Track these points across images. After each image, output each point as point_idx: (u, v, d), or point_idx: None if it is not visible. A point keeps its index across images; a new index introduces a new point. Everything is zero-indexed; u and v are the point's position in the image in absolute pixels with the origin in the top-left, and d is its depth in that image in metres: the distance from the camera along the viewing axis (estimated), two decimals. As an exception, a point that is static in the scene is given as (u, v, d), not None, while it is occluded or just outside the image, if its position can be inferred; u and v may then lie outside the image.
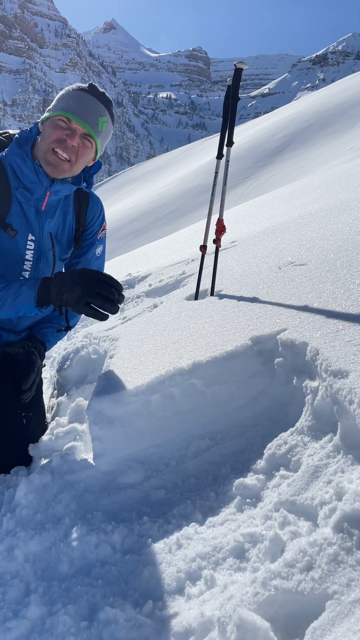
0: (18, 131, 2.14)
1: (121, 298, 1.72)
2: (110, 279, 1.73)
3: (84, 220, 2.09)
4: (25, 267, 1.95)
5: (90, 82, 1.91)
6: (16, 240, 1.88)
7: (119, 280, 1.72)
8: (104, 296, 1.70)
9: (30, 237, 1.92)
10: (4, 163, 1.83)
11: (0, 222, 1.83)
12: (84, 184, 1.96)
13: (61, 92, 1.87)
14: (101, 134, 1.84)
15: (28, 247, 1.92)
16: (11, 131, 2.08)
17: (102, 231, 2.19)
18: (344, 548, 0.90)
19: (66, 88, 1.88)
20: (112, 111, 1.91)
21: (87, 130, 1.78)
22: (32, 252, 1.94)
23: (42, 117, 1.86)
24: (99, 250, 2.20)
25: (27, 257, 1.93)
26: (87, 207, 2.08)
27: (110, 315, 1.73)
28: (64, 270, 2.18)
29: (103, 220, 2.19)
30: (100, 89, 1.84)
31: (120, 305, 1.76)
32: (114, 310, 1.72)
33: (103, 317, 1.73)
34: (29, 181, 1.83)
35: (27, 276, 1.97)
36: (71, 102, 1.78)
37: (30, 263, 1.95)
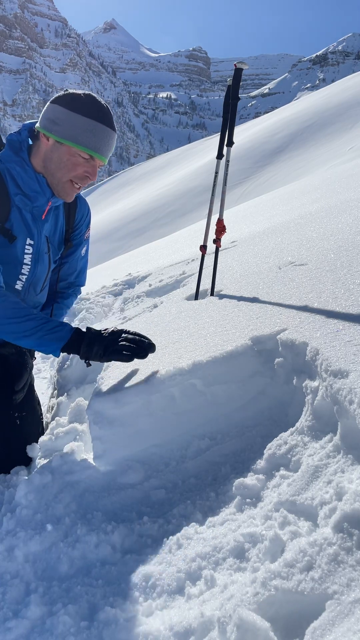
0: None
1: (151, 347, 1.72)
2: (139, 335, 1.76)
3: (73, 222, 2.13)
4: (23, 270, 1.96)
5: (88, 92, 1.80)
6: (15, 245, 1.89)
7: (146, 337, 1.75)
8: (132, 340, 1.72)
9: (29, 241, 1.93)
10: (1, 170, 1.83)
11: (0, 228, 1.84)
12: None
13: (72, 114, 1.72)
14: None
15: (26, 251, 1.94)
16: None
17: (88, 231, 2.24)
18: (344, 548, 0.90)
19: (73, 106, 1.72)
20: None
21: (105, 163, 1.84)
22: (30, 256, 1.96)
23: (45, 131, 1.76)
24: (84, 250, 2.26)
25: (25, 260, 1.95)
26: (75, 208, 2.12)
27: (136, 358, 1.70)
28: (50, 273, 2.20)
29: (90, 220, 2.24)
30: (105, 106, 1.78)
31: (150, 354, 1.73)
32: (140, 354, 1.70)
33: (128, 358, 1.71)
34: (31, 190, 1.85)
35: (24, 280, 1.99)
36: (93, 138, 1.74)
37: (29, 267, 1.97)
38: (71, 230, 2.14)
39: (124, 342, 1.71)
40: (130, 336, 1.74)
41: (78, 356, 1.78)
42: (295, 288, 2.04)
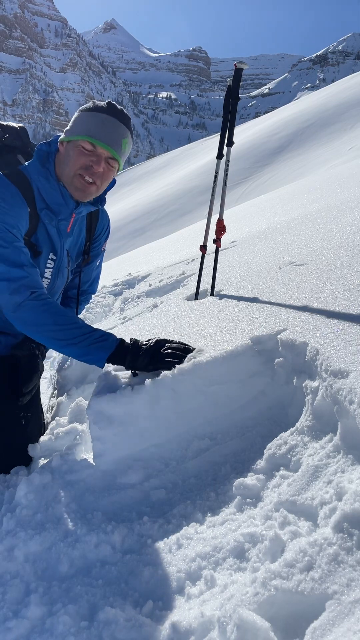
0: (13, 124, 2.13)
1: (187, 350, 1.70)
2: (183, 343, 1.74)
3: (93, 235, 2.15)
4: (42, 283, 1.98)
5: (108, 100, 1.86)
6: (38, 259, 1.91)
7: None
8: (176, 348, 1.71)
9: (52, 256, 1.95)
10: (32, 183, 1.83)
11: (27, 242, 1.85)
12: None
13: (80, 114, 1.81)
14: (124, 154, 1.86)
15: (48, 265, 1.95)
16: (3, 122, 2.11)
17: (105, 243, 2.27)
18: (344, 548, 0.90)
19: (84, 108, 1.83)
20: (131, 127, 1.91)
21: (112, 154, 1.79)
22: (51, 270, 1.97)
23: (62, 137, 1.83)
24: (99, 261, 2.30)
25: (45, 274, 1.96)
26: (97, 221, 2.14)
27: (176, 364, 1.66)
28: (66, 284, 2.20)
29: (109, 233, 2.26)
30: (118, 107, 1.82)
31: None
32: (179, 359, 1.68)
33: (169, 366, 1.67)
34: (55, 202, 1.85)
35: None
36: (94, 126, 1.75)
37: (48, 280, 1.99)
38: (90, 242, 2.16)
39: (168, 351, 1.68)
40: (174, 344, 1.71)
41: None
42: (295, 288, 2.04)
